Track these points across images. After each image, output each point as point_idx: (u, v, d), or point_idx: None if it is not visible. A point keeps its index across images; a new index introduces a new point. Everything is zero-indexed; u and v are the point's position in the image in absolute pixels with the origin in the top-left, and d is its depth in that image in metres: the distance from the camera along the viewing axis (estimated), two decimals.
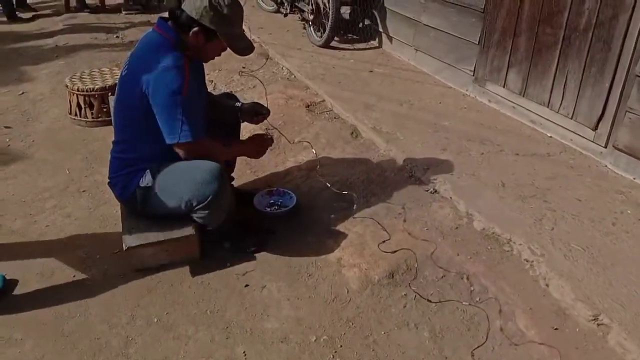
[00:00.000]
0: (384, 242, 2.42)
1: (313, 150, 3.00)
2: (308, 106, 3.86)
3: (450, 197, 2.71)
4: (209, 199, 2.14)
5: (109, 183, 2.35)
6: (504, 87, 3.66)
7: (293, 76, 4.50)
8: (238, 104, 2.56)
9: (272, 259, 2.44)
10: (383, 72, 4.44)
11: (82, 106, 3.64)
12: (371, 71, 4.48)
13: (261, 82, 3.34)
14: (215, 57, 2.29)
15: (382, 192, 2.80)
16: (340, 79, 4.29)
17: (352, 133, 3.47)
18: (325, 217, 2.66)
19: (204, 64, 2.39)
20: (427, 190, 2.81)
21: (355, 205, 2.63)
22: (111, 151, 2.34)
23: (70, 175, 3.14)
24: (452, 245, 2.40)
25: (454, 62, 4.12)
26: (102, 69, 3.95)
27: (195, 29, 2.10)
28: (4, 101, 4.19)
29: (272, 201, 2.81)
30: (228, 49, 2.22)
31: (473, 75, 3.93)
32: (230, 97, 2.70)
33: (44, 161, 3.30)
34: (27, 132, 3.67)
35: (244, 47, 2.23)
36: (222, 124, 2.55)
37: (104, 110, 3.60)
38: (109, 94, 3.60)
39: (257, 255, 2.46)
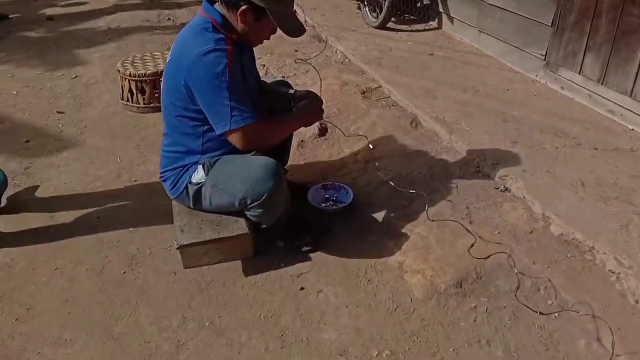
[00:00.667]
0: (450, 245, 2.23)
1: (370, 145, 2.82)
2: (364, 92, 3.66)
3: (524, 197, 2.48)
4: (264, 197, 2.00)
5: (160, 177, 2.24)
6: (579, 73, 3.35)
7: (347, 60, 4.29)
8: (291, 91, 2.39)
9: (328, 260, 2.29)
10: (444, 56, 4.18)
11: (134, 92, 3.56)
12: (431, 54, 4.22)
13: (314, 68, 3.15)
14: (264, 41, 2.13)
15: (447, 189, 2.59)
16: (398, 62, 4.06)
17: (412, 122, 3.25)
18: (384, 215, 2.48)
19: (254, 49, 2.23)
20: (497, 188, 2.58)
21: (427, 206, 2.42)
22: (162, 144, 2.23)
23: (122, 163, 3.07)
24: (527, 252, 2.18)
25: (523, 45, 3.82)
26: (154, 53, 3.87)
27: (244, 6, 1.92)
28: (58, 85, 4.18)
29: (327, 196, 2.65)
30: (278, 31, 2.04)
31: (544, 59, 3.63)
32: (282, 84, 2.54)
33: (96, 148, 3.25)
34: (79, 118, 3.64)
35: (295, 27, 2.04)
36: (273, 113, 2.41)
37: (156, 96, 3.52)
38: (161, 79, 3.50)
39: (312, 255, 2.32)
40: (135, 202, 2.73)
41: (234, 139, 1.98)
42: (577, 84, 3.38)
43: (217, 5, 2.00)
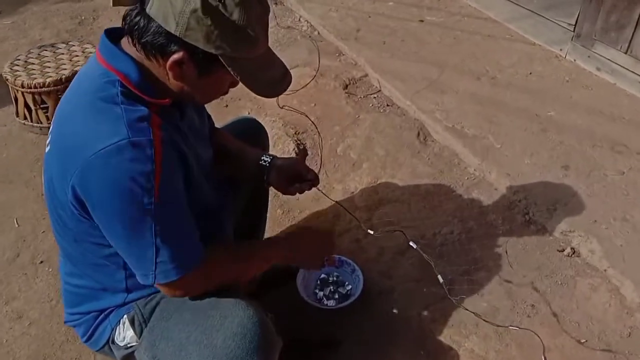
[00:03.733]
0: None
1: (413, 244, 1.61)
2: (347, 87, 2.78)
3: (605, 270, 1.76)
4: None
5: (65, 322, 1.37)
6: (626, 52, 2.58)
7: (316, 33, 3.35)
8: (266, 159, 1.52)
9: None
10: (438, 22, 3.30)
11: (32, 107, 2.56)
12: (421, 20, 3.33)
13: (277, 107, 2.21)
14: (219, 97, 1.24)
15: (494, 260, 1.84)
16: (382, 35, 3.16)
17: (419, 134, 2.43)
18: (412, 314, 1.71)
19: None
20: (562, 251, 1.85)
21: (469, 298, 1.66)
22: (60, 266, 1.36)
23: (21, 230, 2.14)
24: None
25: (541, 10, 2.99)
26: (56, 46, 2.80)
27: (177, 55, 1.02)
28: None
29: (323, 276, 1.85)
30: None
31: (573, 31, 2.82)
32: (251, 131, 1.67)
33: None
34: None
35: (271, 81, 1.14)
36: (235, 184, 1.56)
37: None
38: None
39: None
40: (43, 306, 1.85)
41: (164, 291, 1.15)
42: (622, 66, 2.61)
43: (127, 45, 1.08)
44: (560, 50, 2.92)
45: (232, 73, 1.04)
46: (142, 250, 1.05)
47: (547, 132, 2.33)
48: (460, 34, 3.15)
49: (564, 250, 1.84)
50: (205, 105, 1.36)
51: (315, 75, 2.51)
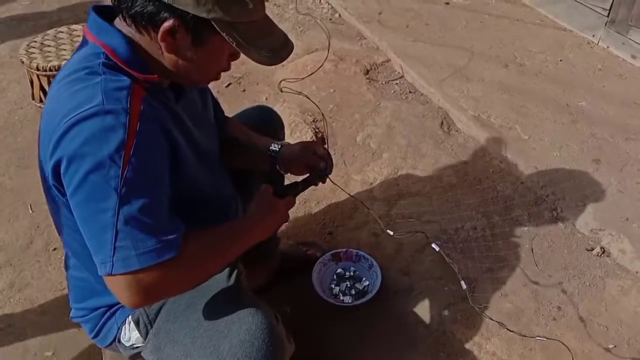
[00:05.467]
0: None
1: (435, 246, 1.51)
2: (368, 72, 2.69)
3: (637, 272, 1.67)
4: None
5: (71, 317, 1.33)
6: None
7: (337, 15, 3.25)
8: (275, 147, 1.43)
9: None
10: (464, 5, 3.17)
11: (47, 90, 2.52)
12: (447, 3, 3.21)
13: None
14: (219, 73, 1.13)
15: (517, 258, 1.76)
16: (407, 18, 3.05)
17: (442, 123, 2.34)
18: (432, 312, 1.65)
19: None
20: (591, 250, 1.76)
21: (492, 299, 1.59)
22: (64, 259, 1.32)
23: (35, 216, 2.12)
24: None
25: None
26: (72, 27, 2.76)
27: (168, 22, 0.95)
28: None
29: (339, 271, 1.80)
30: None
31: (607, 16, 2.68)
32: (264, 120, 1.59)
33: None
34: None
35: (270, 48, 1.03)
36: (245, 178, 1.49)
37: None
38: None
39: None
40: (55, 293, 1.83)
41: (122, 297, 0.95)
42: None
43: (119, 22, 1.02)
44: (593, 36, 2.79)
45: (226, 39, 0.96)
46: (100, 230, 0.91)
47: (578, 124, 2.22)
48: (488, 18, 3.03)
49: (593, 249, 1.75)
50: (224, 91, 1.29)
51: (323, 63, 2.42)
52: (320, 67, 2.36)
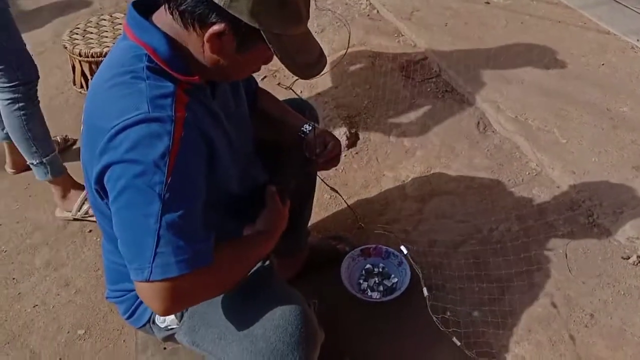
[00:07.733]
0: None
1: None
2: (404, 69, 2.67)
3: None
4: None
5: (106, 297, 1.36)
6: None
7: (375, 11, 3.23)
8: (306, 128, 1.42)
9: None
10: (505, 5, 3.12)
11: (89, 76, 2.59)
12: (487, 2, 3.16)
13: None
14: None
15: (549, 262, 1.73)
16: (446, 17, 3.02)
17: (479, 124, 2.32)
18: (463, 311, 1.63)
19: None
20: (627, 259, 1.72)
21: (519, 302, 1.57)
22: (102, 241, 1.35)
23: None
24: None
25: None
26: (114, 15, 2.82)
27: (218, 26, 0.95)
28: None
29: (368, 266, 1.80)
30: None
31: None
32: (302, 108, 1.58)
33: None
34: None
35: (308, 62, 1.04)
36: (271, 150, 1.48)
37: None
38: None
39: None
40: (89, 274, 1.88)
41: (150, 302, 0.97)
42: None
43: (160, 16, 1.02)
44: (638, 40, 2.71)
45: (273, 51, 0.98)
46: (142, 235, 0.92)
47: (618, 129, 2.17)
48: (529, 19, 2.97)
49: (629, 257, 1.71)
50: (260, 84, 1.30)
51: (344, 55, 2.44)
52: (338, 61, 2.39)
